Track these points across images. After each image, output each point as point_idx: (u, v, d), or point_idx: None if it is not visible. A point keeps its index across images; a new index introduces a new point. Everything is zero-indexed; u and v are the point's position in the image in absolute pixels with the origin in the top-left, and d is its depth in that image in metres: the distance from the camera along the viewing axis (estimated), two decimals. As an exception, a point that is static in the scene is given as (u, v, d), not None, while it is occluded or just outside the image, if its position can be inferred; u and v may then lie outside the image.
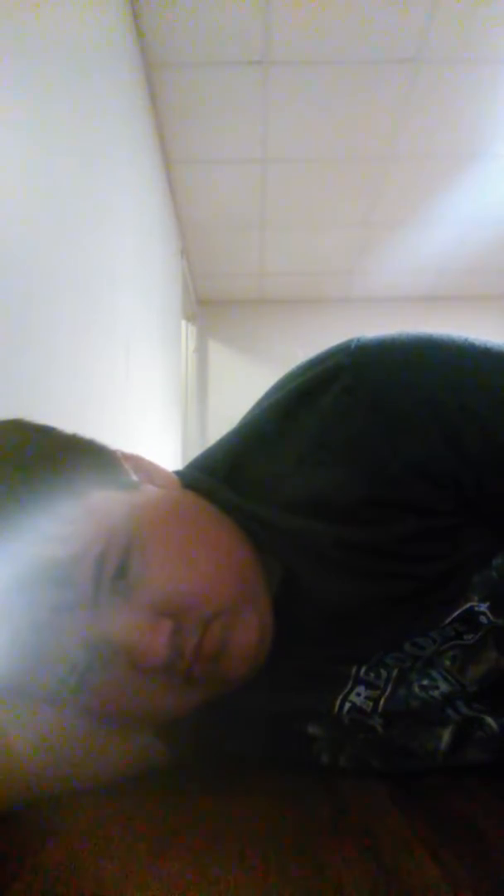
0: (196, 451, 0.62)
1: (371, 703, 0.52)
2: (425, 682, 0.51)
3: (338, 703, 0.52)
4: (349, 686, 0.52)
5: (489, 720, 0.51)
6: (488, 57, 2.27)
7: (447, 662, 0.51)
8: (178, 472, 0.59)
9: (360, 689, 0.52)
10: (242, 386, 3.86)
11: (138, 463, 0.55)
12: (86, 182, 1.55)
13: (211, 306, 4.40)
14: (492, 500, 0.49)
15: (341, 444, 0.49)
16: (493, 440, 0.48)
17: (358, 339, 0.52)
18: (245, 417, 0.58)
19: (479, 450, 0.48)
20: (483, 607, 0.50)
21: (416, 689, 0.51)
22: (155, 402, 2.63)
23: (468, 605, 0.50)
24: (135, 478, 0.53)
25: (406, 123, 2.62)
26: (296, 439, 0.51)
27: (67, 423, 0.54)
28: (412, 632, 0.51)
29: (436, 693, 0.51)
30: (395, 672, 0.52)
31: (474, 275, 4.04)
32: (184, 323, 3.79)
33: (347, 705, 0.52)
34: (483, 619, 0.50)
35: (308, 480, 0.50)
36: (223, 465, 0.56)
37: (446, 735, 0.51)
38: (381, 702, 0.52)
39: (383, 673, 0.52)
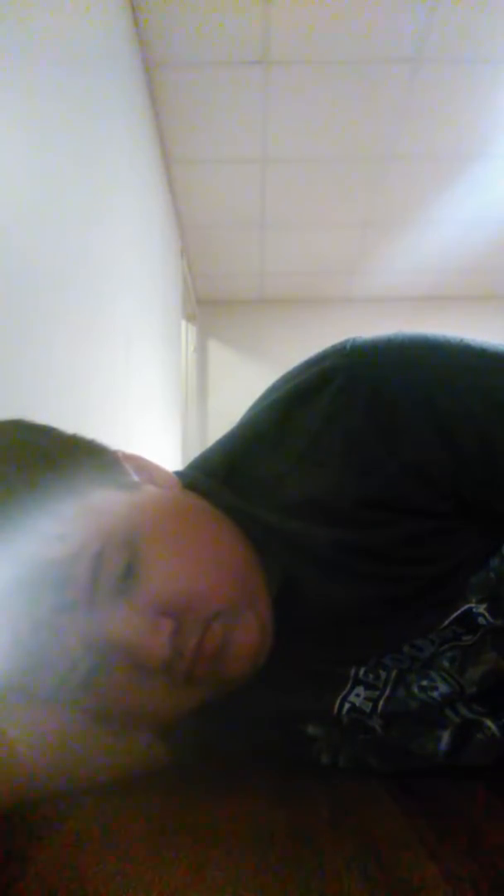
0: (196, 451, 0.62)
1: (370, 704, 0.52)
2: (424, 683, 0.51)
3: (337, 703, 0.52)
4: (348, 687, 0.52)
5: (489, 722, 0.51)
6: (488, 57, 2.27)
7: (446, 663, 0.51)
8: (178, 473, 0.59)
9: (360, 689, 0.52)
10: (242, 386, 3.87)
11: (139, 463, 0.55)
12: (86, 182, 1.55)
13: (211, 306, 4.40)
14: (488, 502, 0.49)
15: (337, 446, 0.49)
16: (488, 441, 0.47)
17: (352, 340, 0.52)
18: (242, 418, 0.58)
19: (474, 451, 0.48)
20: (481, 608, 0.50)
21: (416, 690, 0.51)
22: (155, 402, 2.63)
23: (466, 607, 0.50)
24: (135, 478, 0.53)
25: (406, 123, 2.62)
26: (292, 441, 0.51)
27: (67, 422, 0.54)
28: (411, 634, 0.51)
29: (435, 694, 0.51)
30: (393, 673, 0.52)
31: (474, 275, 4.04)
32: (184, 323, 3.79)
33: (347, 706, 0.52)
34: (481, 620, 0.50)
35: (305, 482, 0.51)
36: (222, 467, 0.56)
37: (446, 737, 0.51)
38: (381, 702, 0.52)
39: (382, 674, 0.52)
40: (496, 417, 0.48)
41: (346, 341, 0.52)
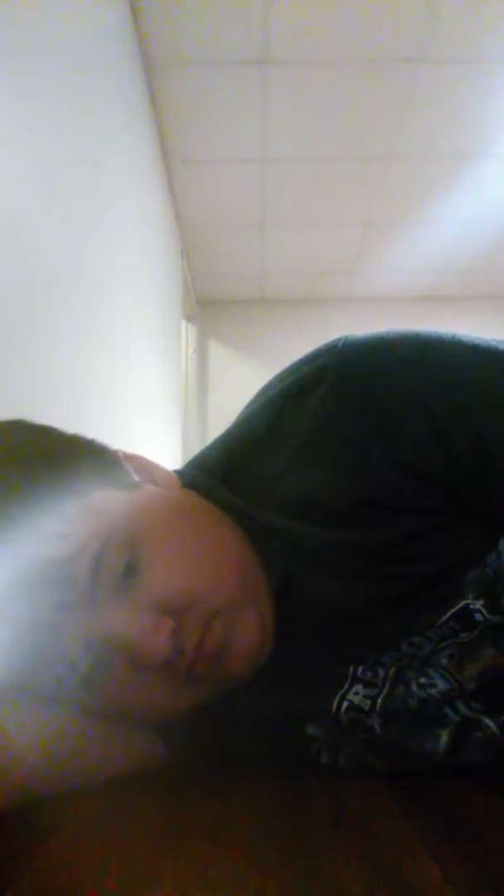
0: (196, 451, 0.62)
1: (369, 703, 0.52)
2: (423, 681, 0.51)
3: (336, 702, 0.52)
4: (347, 685, 0.52)
5: (488, 721, 0.51)
6: (488, 57, 2.27)
7: (444, 661, 0.51)
8: (177, 472, 0.59)
9: (358, 687, 0.52)
10: (242, 386, 3.86)
11: (139, 463, 0.55)
12: (86, 182, 1.55)
13: (211, 306, 4.40)
14: (483, 499, 0.49)
15: (330, 445, 0.49)
16: (482, 437, 0.47)
17: (345, 338, 0.52)
18: (239, 417, 0.58)
19: (468, 448, 0.47)
20: (478, 605, 0.50)
21: (414, 688, 0.51)
22: (155, 402, 2.63)
23: (463, 604, 0.50)
24: (136, 478, 0.53)
25: (406, 123, 2.62)
26: (286, 440, 0.51)
27: (68, 423, 0.54)
28: (409, 631, 0.51)
29: (434, 691, 0.51)
30: (392, 671, 0.52)
31: (474, 275, 4.04)
32: (184, 323, 3.79)
33: (346, 704, 0.52)
34: (478, 617, 0.50)
35: (300, 481, 0.50)
36: (219, 466, 0.56)
37: (445, 736, 0.51)
38: (380, 700, 0.52)
39: (381, 672, 0.52)
40: (490, 414, 0.48)
41: (339, 339, 0.52)
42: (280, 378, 0.54)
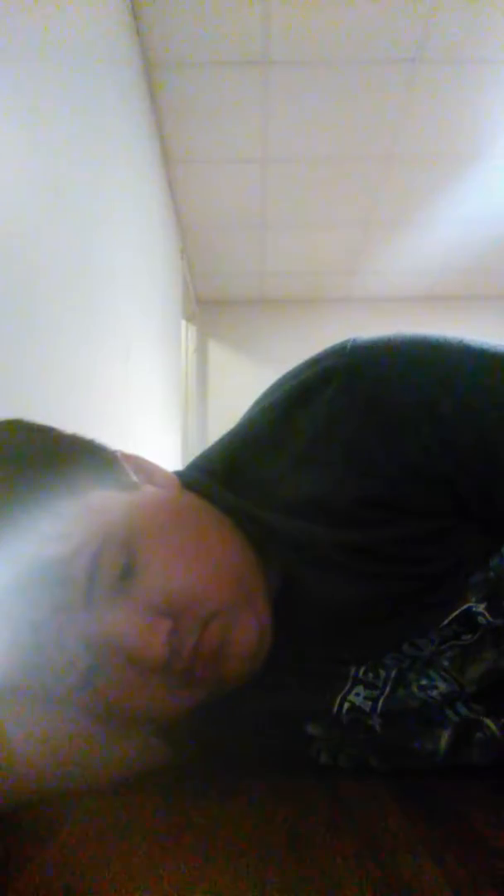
0: (196, 451, 0.62)
1: (370, 703, 0.52)
2: (424, 683, 0.51)
3: (337, 702, 0.52)
4: (348, 686, 0.52)
5: (489, 722, 0.51)
6: (488, 57, 2.27)
7: (445, 663, 0.51)
8: (178, 473, 0.59)
9: (359, 689, 0.52)
10: (242, 386, 3.86)
11: (138, 463, 0.55)
12: (86, 182, 1.55)
13: (211, 306, 4.40)
14: (487, 501, 0.49)
15: (336, 446, 0.49)
16: (488, 441, 0.47)
17: (353, 340, 0.52)
18: (242, 418, 0.58)
19: (474, 451, 0.48)
20: (481, 608, 0.50)
21: (415, 689, 0.51)
22: (155, 402, 2.63)
23: (466, 606, 0.50)
24: (135, 478, 0.53)
25: (406, 123, 2.62)
26: (292, 441, 0.52)
27: (68, 423, 0.54)
28: (411, 632, 0.51)
29: (434, 693, 0.51)
30: (393, 672, 0.52)
31: (474, 275, 4.04)
32: (184, 323, 3.79)
33: (346, 705, 0.52)
34: (481, 620, 0.50)
35: (304, 482, 0.51)
36: (221, 467, 0.56)
37: (445, 736, 0.51)
38: (380, 702, 0.52)
39: (382, 673, 0.52)
40: (496, 418, 0.48)
41: (346, 341, 0.52)
42: (285, 380, 0.55)
